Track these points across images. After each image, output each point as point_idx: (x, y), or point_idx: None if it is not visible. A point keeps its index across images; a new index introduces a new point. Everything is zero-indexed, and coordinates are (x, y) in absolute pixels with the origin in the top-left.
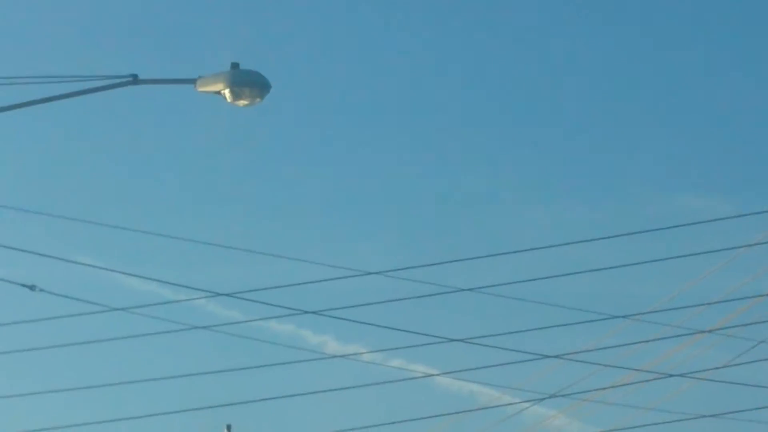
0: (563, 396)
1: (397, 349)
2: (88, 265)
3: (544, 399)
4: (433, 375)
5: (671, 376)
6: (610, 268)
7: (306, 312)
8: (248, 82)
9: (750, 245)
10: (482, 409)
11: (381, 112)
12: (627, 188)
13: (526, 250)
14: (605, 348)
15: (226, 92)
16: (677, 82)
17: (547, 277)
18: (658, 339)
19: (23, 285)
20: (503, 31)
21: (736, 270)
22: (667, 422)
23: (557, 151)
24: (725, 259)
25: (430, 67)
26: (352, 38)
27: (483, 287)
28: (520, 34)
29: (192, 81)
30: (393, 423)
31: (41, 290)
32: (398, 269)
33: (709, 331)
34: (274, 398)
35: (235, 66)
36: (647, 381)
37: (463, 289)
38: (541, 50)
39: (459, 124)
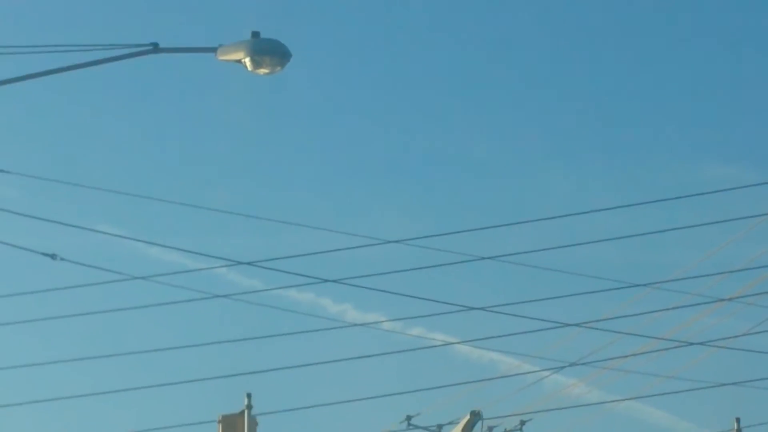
0: (583, 364)
1: (416, 317)
2: (109, 234)
3: (564, 367)
4: (452, 343)
5: (691, 344)
6: (632, 236)
7: (326, 280)
8: (268, 50)
9: (762, 215)
10: (502, 377)
11: (399, 81)
12: (651, 156)
13: (546, 219)
14: (625, 316)
15: (247, 61)
16: (702, 50)
17: (568, 246)
18: (679, 307)
19: (45, 254)
20: None
21: (757, 238)
22: (687, 390)
23: (581, 118)
24: (747, 227)
25: (446, 37)
26: (368, 7)
27: (503, 255)
28: None
29: (213, 50)
30: (412, 392)
31: (62, 259)
32: (418, 237)
33: (730, 300)
34: (294, 367)
35: (255, 35)
36: (667, 349)
37: (484, 258)
38: (565, 15)
39: (477, 91)
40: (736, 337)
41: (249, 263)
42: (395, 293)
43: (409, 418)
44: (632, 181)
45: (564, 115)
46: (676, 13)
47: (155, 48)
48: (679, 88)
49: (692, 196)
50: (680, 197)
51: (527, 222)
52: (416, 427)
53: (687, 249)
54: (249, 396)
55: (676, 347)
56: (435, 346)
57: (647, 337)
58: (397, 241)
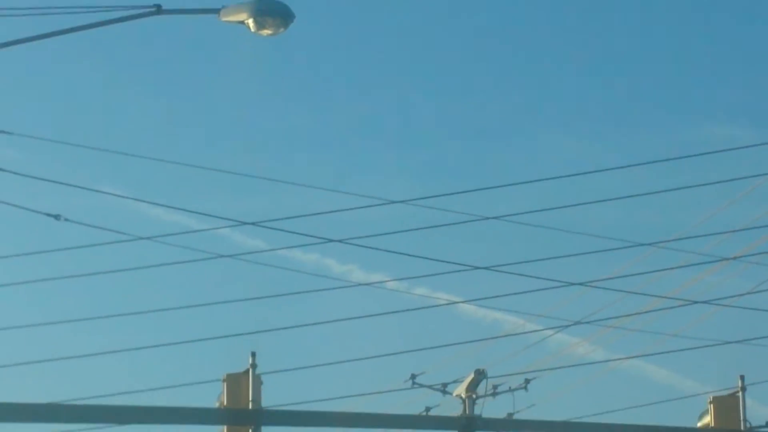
0: (587, 323)
1: (421, 277)
2: (113, 195)
3: (568, 326)
4: (457, 302)
5: (695, 303)
6: (635, 195)
7: (331, 241)
8: (272, 11)
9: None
10: (506, 336)
11: (404, 43)
12: (652, 117)
13: (550, 179)
14: (629, 275)
15: (250, 22)
16: (701, 8)
17: (572, 205)
18: (682, 266)
19: (48, 215)
20: None
21: (760, 198)
22: (691, 349)
23: (582, 79)
24: (749, 186)
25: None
26: None
27: (507, 215)
28: None
29: (216, 11)
30: (417, 351)
31: (66, 220)
32: (423, 198)
33: (733, 258)
34: (298, 326)
35: None
36: (671, 308)
37: (488, 218)
38: None
39: (480, 53)
40: (740, 295)
41: (254, 223)
42: (400, 253)
43: (413, 376)
44: (634, 142)
45: (565, 77)
46: None
47: (158, 9)
48: (679, 48)
49: (694, 156)
50: (682, 157)
51: (531, 182)
52: (421, 385)
53: (690, 209)
54: (253, 355)
55: (680, 306)
56: (439, 306)
57: (651, 296)
58: (402, 201)
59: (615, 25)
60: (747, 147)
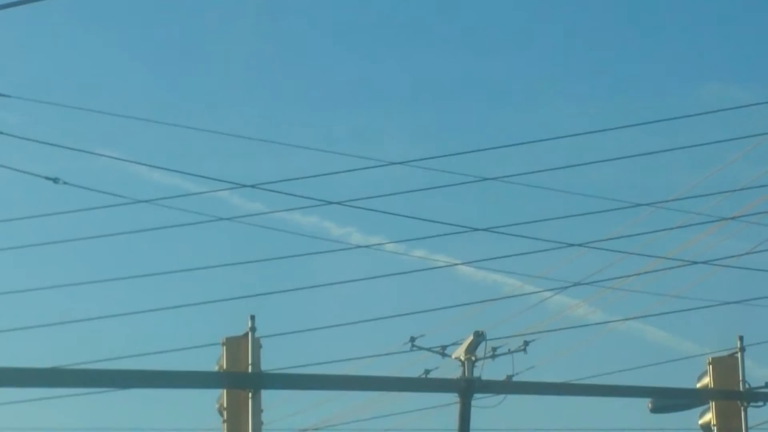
0: (586, 284)
1: (420, 239)
2: (112, 158)
3: (567, 287)
4: (455, 264)
5: (694, 263)
6: (633, 156)
7: (329, 203)
8: None
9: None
10: (505, 298)
11: (404, 8)
12: (650, 77)
13: (549, 139)
14: (628, 236)
15: None
16: None
17: (570, 166)
18: (681, 227)
19: (47, 178)
20: None
21: (758, 158)
22: (690, 309)
23: (581, 41)
24: (747, 146)
25: None
26: None
27: (506, 176)
28: None
29: None
30: (416, 312)
31: (65, 183)
32: (421, 159)
33: (732, 219)
34: (297, 289)
35: None
36: (670, 269)
37: (486, 178)
38: None
39: (482, 19)
40: (739, 256)
41: (253, 186)
42: (399, 215)
43: (413, 339)
44: (634, 102)
45: (567, 37)
46: None
47: None
48: (678, 9)
49: (692, 116)
50: (680, 117)
51: (530, 143)
52: (420, 348)
53: (688, 169)
54: (253, 318)
55: (678, 267)
56: (438, 267)
57: (649, 256)
58: (400, 163)
59: None
60: (744, 107)
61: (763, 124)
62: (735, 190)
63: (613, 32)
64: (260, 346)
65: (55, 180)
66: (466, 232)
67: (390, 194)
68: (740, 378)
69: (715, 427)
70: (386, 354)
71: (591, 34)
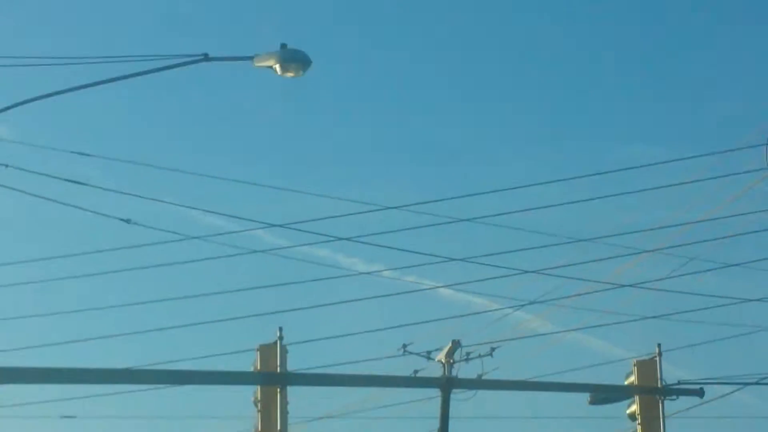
0: (540, 302)
1: (410, 267)
2: (172, 204)
3: (524, 305)
4: (438, 287)
5: (623, 286)
6: (574, 202)
7: (339, 239)
8: (294, 58)
9: (676, 184)
10: (476, 313)
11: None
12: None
13: (508, 189)
14: (572, 264)
15: (277, 66)
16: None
17: (525, 210)
18: (613, 257)
19: (121, 219)
20: None
21: (672, 203)
22: (620, 323)
23: (532, 104)
24: (657, 195)
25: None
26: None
27: (478, 218)
28: None
29: (250, 58)
30: (407, 325)
31: (135, 224)
32: (412, 204)
33: (653, 251)
34: (314, 306)
35: (283, 46)
36: (605, 290)
37: (462, 219)
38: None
39: (443, 90)
40: (659, 280)
41: (280, 225)
42: (394, 248)
43: (404, 346)
44: (568, 160)
45: (525, 100)
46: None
47: (206, 57)
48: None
49: (611, 173)
50: (602, 173)
51: (496, 191)
52: (410, 353)
53: (614, 213)
54: (281, 329)
55: (611, 289)
56: (424, 290)
57: (589, 281)
58: (395, 207)
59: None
60: (652, 165)
61: (667, 177)
62: (653, 229)
63: (563, 99)
64: (287, 352)
65: (128, 221)
66: (446, 261)
67: (388, 231)
68: (658, 377)
69: (639, 416)
70: (383, 358)
71: (536, 98)
